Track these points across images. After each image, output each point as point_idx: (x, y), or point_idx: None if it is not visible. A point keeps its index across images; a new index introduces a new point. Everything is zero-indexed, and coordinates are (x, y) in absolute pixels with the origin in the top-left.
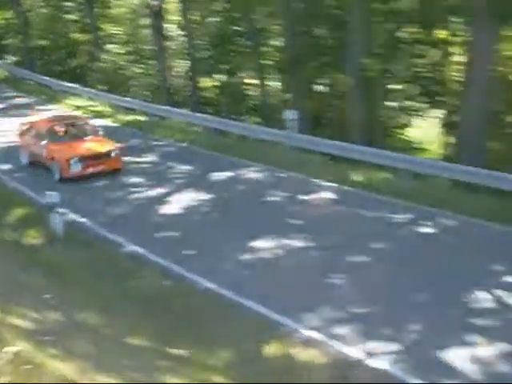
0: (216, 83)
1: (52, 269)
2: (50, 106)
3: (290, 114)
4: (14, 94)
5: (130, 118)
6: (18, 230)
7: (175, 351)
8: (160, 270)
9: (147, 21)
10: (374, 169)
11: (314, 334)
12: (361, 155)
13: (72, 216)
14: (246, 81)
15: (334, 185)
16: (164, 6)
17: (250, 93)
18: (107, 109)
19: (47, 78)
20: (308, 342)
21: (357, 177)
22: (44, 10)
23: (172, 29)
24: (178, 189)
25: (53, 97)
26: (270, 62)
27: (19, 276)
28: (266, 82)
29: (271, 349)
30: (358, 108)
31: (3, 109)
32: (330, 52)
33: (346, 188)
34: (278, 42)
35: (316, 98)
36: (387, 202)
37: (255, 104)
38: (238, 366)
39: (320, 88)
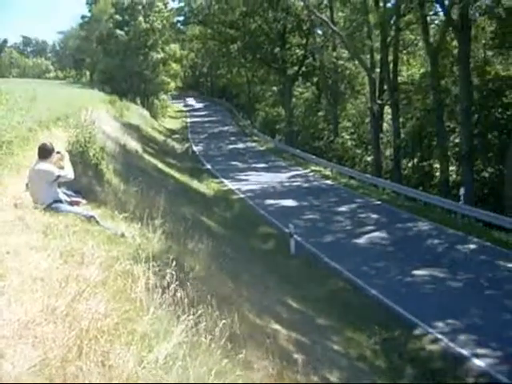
0: (411, 164)
1: None
2: (296, 168)
3: (461, 191)
4: (275, 159)
5: (347, 181)
6: None
7: None
8: None
9: (368, 118)
10: None
11: None
12: (506, 223)
13: None
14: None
15: (476, 239)
16: (381, 109)
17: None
18: (333, 174)
19: (298, 151)
20: None
21: (499, 236)
22: (302, 108)
23: (384, 125)
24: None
25: (299, 163)
26: (450, 153)
27: None
28: (448, 167)
29: None
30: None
31: (266, 167)
32: (495, 150)
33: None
34: (457, 140)
35: (481, 181)
36: None
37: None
38: None
39: (485, 174)
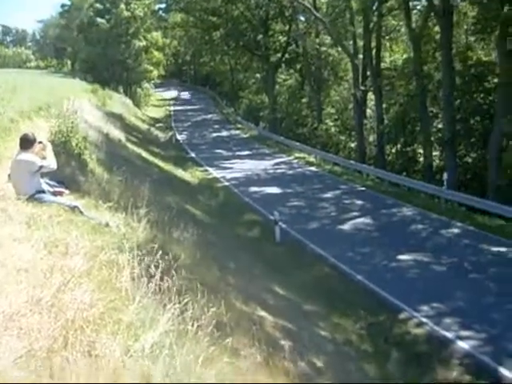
0: (394, 150)
1: None
2: (280, 155)
3: (445, 176)
4: (259, 146)
5: (331, 167)
6: None
7: None
8: None
9: (351, 105)
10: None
11: None
12: (489, 207)
13: None
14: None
15: (459, 224)
16: (364, 95)
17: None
18: (317, 161)
19: (282, 138)
20: None
21: (482, 220)
22: (285, 95)
23: (368, 111)
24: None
25: (283, 150)
26: (433, 139)
27: None
28: (431, 153)
29: None
30: (495, 174)
31: (250, 154)
32: (477, 135)
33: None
34: (440, 125)
35: (464, 166)
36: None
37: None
38: None
39: (468, 159)
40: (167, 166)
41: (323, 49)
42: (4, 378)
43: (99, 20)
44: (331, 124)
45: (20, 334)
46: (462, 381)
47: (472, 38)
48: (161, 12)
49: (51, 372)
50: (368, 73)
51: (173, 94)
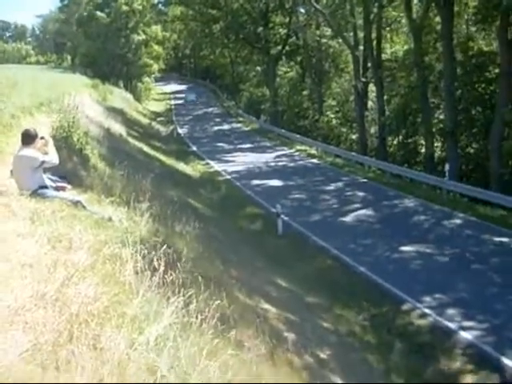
0: (396, 141)
1: None
2: (281, 148)
3: (446, 167)
4: (260, 139)
5: (332, 159)
6: None
7: None
8: None
9: (352, 97)
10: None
11: None
12: (491, 198)
13: None
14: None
15: (462, 215)
16: (365, 87)
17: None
18: (319, 153)
19: (283, 131)
20: None
21: (484, 211)
22: (286, 88)
23: (369, 103)
24: (356, 207)
25: (284, 142)
26: (434, 130)
27: None
28: (433, 144)
29: None
30: (496, 164)
31: (251, 148)
32: (479, 125)
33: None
34: (441, 116)
35: (466, 156)
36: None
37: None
38: None
39: (470, 150)
40: (169, 160)
41: (324, 41)
42: (11, 371)
43: (98, 14)
44: (332, 116)
45: (25, 329)
46: (464, 372)
47: (473, 28)
48: (160, 5)
49: (57, 365)
50: (369, 64)
51: (173, 87)
